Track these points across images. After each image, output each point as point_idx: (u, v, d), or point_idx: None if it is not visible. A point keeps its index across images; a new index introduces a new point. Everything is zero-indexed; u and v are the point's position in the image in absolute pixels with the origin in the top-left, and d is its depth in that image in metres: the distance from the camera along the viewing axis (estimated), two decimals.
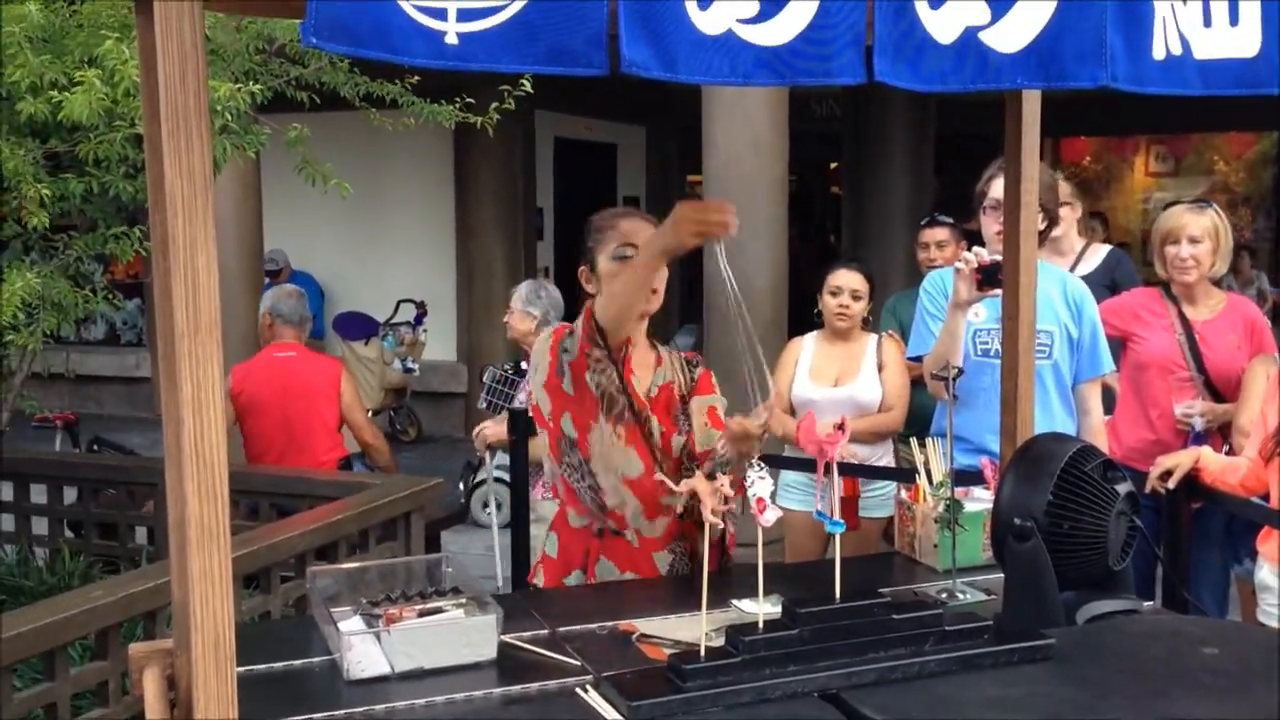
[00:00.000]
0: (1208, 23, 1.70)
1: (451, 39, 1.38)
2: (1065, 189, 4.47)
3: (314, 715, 1.85)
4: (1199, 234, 3.79)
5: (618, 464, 2.56)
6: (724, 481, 1.94)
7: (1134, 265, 4.69)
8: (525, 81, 4.24)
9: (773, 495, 1.91)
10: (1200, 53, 1.70)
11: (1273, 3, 1.71)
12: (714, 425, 2.65)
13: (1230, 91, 1.72)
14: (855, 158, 10.54)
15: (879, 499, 4.07)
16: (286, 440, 5.01)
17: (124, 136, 3.66)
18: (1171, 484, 3.49)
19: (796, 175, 7.88)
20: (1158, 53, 1.67)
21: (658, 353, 2.76)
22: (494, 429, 4.72)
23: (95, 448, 6.60)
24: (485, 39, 1.40)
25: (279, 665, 2.05)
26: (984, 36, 1.60)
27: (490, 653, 2.04)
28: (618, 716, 1.79)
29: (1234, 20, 1.70)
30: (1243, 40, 1.71)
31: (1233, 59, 1.72)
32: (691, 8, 1.48)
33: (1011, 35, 1.60)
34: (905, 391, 4.20)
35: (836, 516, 2.00)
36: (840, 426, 1.98)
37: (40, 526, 5.07)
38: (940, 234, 4.77)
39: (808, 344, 4.31)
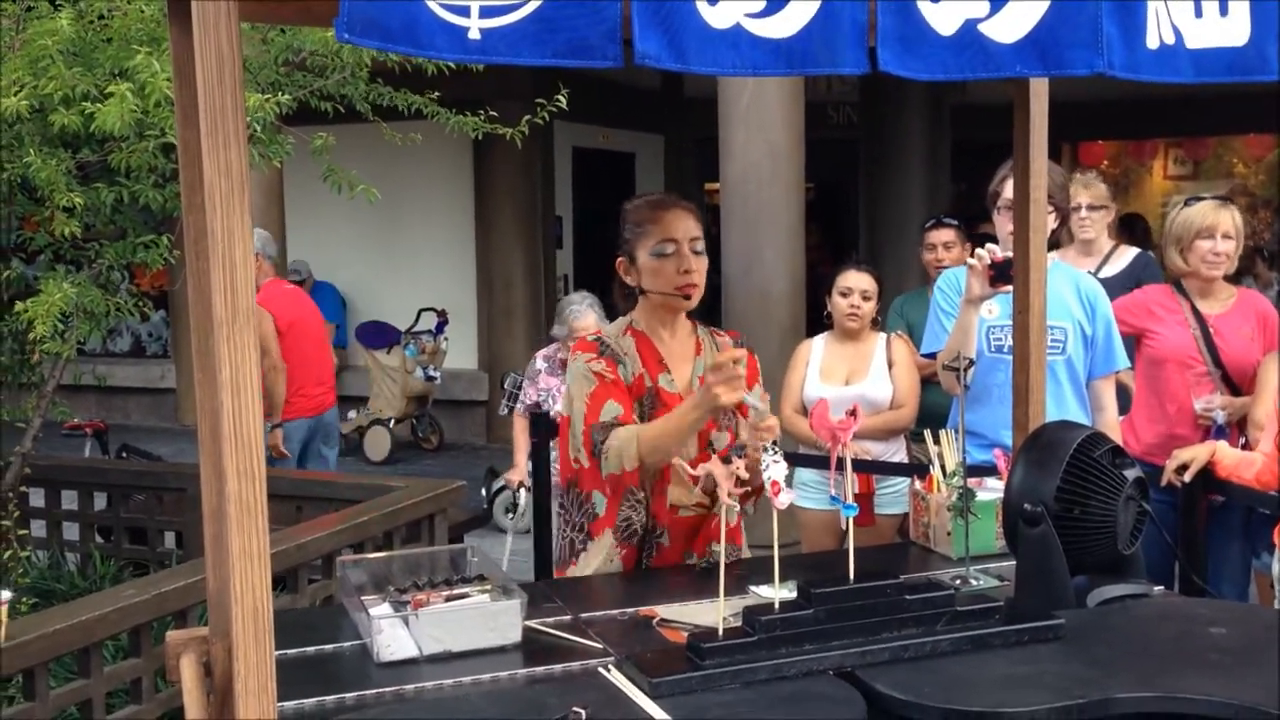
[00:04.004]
0: (1199, 14, 1.76)
1: (474, 34, 1.45)
2: (1102, 191, 4.50)
3: (346, 695, 1.91)
4: (1231, 230, 3.85)
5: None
6: (739, 464, 1.99)
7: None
8: (560, 97, 4.32)
9: (788, 479, 1.96)
10: (1192, 42, 1.77)
11: None
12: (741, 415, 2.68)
13: (1221, 78, 1.78)
14: (872, 164, 10.60)
15: (893, 496, 4.13)
16: (321, 358, 5.76)
17: (154, 146, 3.75)
18: (1188, 477, 3.52)
19: (814, 183, 7.93)
20: (1151, 42, 1.73)
21: (698, 337, 2.76)
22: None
23: (124, 454, 6.71)
24: (506, 34, 1.47)
25: (311, 649, 2.12)
26: (983, 28, 1.66)
27: (515, 636, 2.10)
28: (639, 693, 1.84)
29: (1224, 11, 1.76)
30: (1233, 29, 1.78)
31: (1223, 48, 1.78)
32: (701, 2, 1.54)
33: (1010, 26, 1.67)
34: (916, 389, 4.26)
35: (850, 500, 2.06)
36: (853, 413, 2.04)
37: (71, 532, 5.17)
38: (946, 235, 4.83)
39: (818, 345, 4.38)
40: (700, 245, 2.63)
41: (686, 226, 2.61)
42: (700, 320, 2.81)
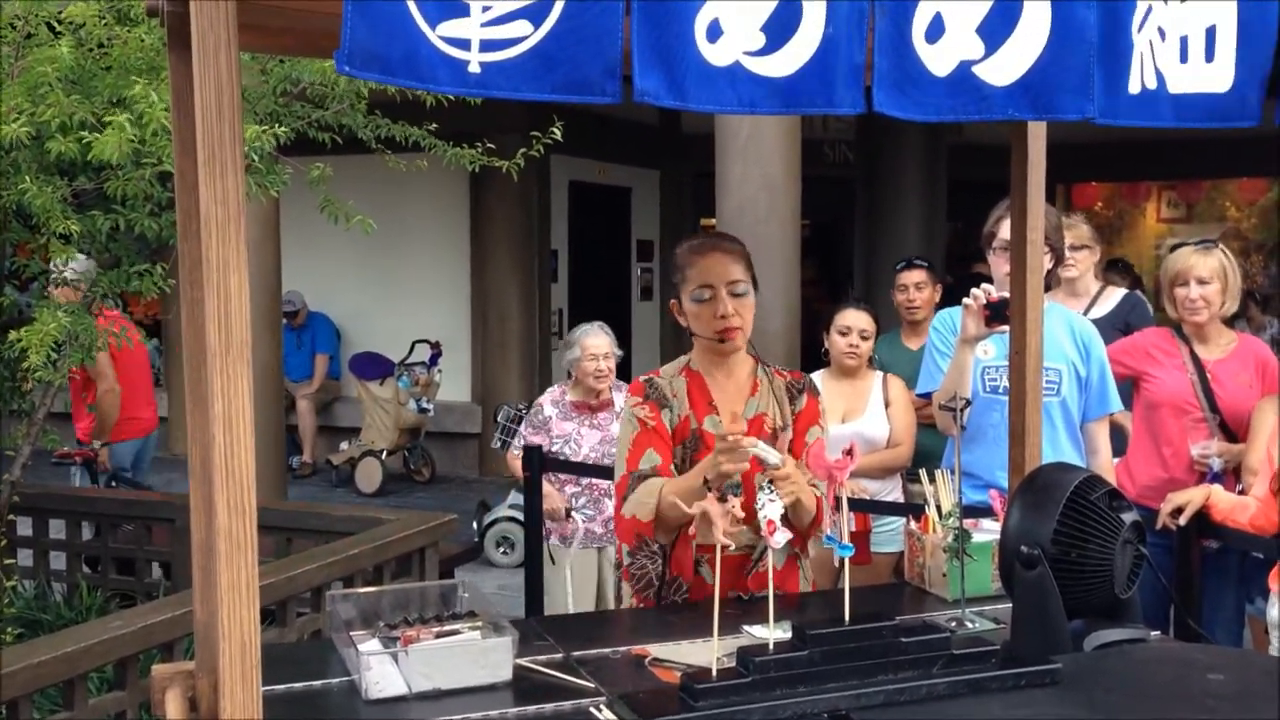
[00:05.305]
0: (1184, 59, 1.77)
1: (475, 68, 1.45)
2: (1085, 232, 4.51)
3: None
4: (1207, 275, 3.82)
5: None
6: (734, 503, 1.98)
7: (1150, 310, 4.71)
8: (555, 129, 4.33)
9: (783, 518, 1.94)
10: (1175, 87, 1.77)
11: (1246, 40, 1.78)
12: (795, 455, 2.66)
13: (1201, 124, 1.79)
14: (868, 202, 10.64)
15: (889, 534, 4.11)
16: (146, 382, 6.13)
17: (151, 174, 3.75)
18: (1182, 520, 3.51)
19: (809, 221, 7.96)
20: (1133, 87, 1.74)
21: (756, 378, 2.75)
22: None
23: (113, 484, 6.65)
24: (506, 69, 1.47)
25: (299, 685, 2.09)
26: (977, 70, 1.67)
27: (505, 674, 2.07)
28: None
29: (1209, 57, 1.77)
30: (1217, 76, 1.79)
31: (1206, 93, 1.79)
32: (701, 40, 1.55)
33: (1004, 69, 1.68)
34: (912, 427, 4.27)
35: (845, 540, 2.04)
36: (849, 452, 2.02)
37: (58, 561, 5.13)
38: (917, 276, 4.85)
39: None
40: (741, 287, 2.63)
41: (723, 270, 2.62)
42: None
